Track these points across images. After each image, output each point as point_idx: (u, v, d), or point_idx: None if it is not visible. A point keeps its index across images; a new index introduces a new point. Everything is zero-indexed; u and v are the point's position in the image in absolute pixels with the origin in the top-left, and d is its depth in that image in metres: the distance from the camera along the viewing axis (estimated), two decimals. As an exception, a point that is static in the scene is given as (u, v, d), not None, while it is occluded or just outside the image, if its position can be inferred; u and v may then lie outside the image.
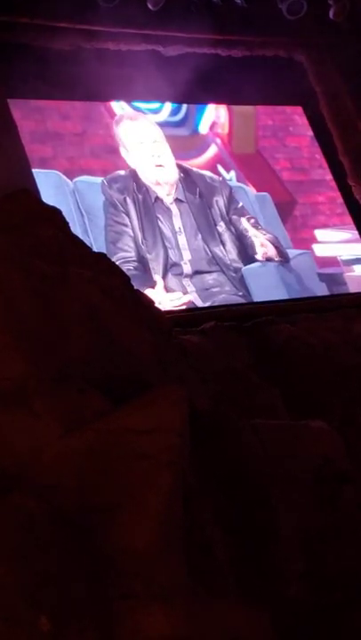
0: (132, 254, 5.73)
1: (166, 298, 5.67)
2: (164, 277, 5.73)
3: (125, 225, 5.84)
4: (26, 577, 2.38)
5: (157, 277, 5.71)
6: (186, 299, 5.75)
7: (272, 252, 6.24)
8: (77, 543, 2.57)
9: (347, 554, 3.26)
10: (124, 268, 5.36)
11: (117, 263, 5.23)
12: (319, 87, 7.01)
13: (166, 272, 5.77)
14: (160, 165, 6.18)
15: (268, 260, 6.19)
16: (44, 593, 2.40)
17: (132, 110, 6.43)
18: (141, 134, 6.32)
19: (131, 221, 5.86)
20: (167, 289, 5.71)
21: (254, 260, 6.16)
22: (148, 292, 5.51)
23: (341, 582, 3.19)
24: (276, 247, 6.28)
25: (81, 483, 2.71)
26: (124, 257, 5.67)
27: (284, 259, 6.28)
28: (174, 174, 6.22)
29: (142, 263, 5.73)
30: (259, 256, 6.18)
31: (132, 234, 5.81)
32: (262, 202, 6.58)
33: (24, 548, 2.46)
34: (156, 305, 4.19)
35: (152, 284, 5.65)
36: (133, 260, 5.72)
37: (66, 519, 2.62)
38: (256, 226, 6.31)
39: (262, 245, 6.21)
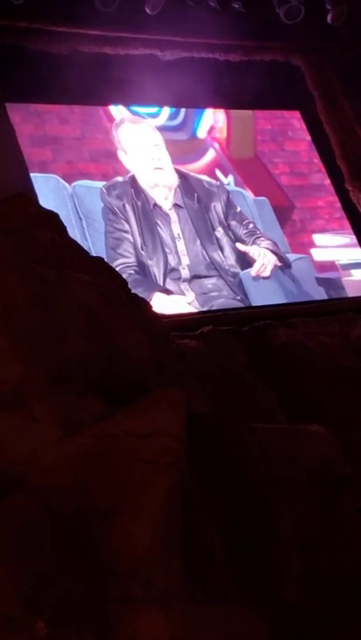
0: (132, 260, 5.74)
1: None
2: (163, 282, 5.74)
3: (125, 231, 5.83)
4: (24, 579, 2.38)
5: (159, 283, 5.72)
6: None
7: (269, 267, 6.20)
8: (76, 546, 2.57)
9: (345, 556, 3.26)
10: (125, 273, 5.38)
11: (118, 269, 5.26)
12: (317, 91, 7.02)
13: (165, 277, 5.77)
14: (159, 168, 6.18)
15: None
16: (42, 595, 2.40)
17: (130, 114, 6.43)
18: (142, 138, 6.32)
19: (130, 228, 5.86)
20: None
21: (252, 265, 6.16)
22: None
23: (339, 584, 3.19)
24: (275, 254, 6.28)
25: (79, 485, 2.71)
26: (124, 262, 5.67)
27: (284, 264, 6.28)
28: (173, 178, 6.22)
29: (142, 268, 5.74)
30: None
31: (131, 240, 5.81)
32: (261, 206, 6.59)
33: (22, 550, 2.46)
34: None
35: (154, 289, 5.65)
36: (134, 266, 5.72)
37: (64, 522, 2.62)
38: (254, 231, 6.31)
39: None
